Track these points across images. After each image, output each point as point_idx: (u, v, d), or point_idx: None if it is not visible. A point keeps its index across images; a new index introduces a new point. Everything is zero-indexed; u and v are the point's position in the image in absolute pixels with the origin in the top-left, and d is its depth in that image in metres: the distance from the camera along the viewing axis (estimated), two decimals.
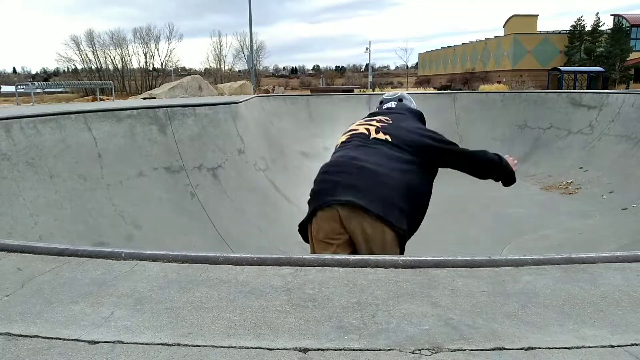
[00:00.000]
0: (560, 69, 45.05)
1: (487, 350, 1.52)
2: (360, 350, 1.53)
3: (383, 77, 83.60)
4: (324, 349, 1.54)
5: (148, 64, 59.04)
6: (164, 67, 59.55)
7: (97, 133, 6.54)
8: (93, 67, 56.07)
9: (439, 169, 2.61)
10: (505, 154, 2.91)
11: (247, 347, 1.56)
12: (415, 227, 2.41)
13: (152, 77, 57.52)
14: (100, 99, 19.16)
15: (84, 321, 1.76)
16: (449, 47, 66.76)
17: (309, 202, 2.55)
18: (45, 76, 72.95)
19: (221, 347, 1.56)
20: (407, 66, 69.49)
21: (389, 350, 1.53)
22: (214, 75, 58.24)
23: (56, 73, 69.36)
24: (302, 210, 10.54)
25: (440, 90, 41.45)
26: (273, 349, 1.54)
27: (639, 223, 7.57)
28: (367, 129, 2.43)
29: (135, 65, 59.51)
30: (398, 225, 2.22)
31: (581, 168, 11.73)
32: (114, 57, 56.66)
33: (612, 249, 6.32)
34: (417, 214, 2.37)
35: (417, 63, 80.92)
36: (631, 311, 1.78)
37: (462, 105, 15.50)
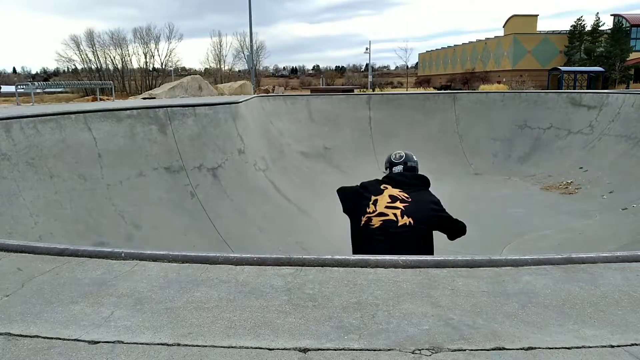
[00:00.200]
0: (560, 69, 45.06)
1: (487, 350, 1.52)
2: (360, 350, 1.53)
3: (383, 77, 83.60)
4: (324, 349, 1.54)
5: (148, 64, 59.13)
6: (164, 67, 59.59)
7: (97, 133, 6.54)
8: (93, 67, 56.12)
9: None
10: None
11: (247, 347, 1.56)
12: None
13: (152, 77, 57.55)
14: (100, 99, 19.16)
15: (84, 321, 1.76)
16: (449, 47, 66.78)
17: None
18: (45, 76, 72.97)
19: (221, 347, 1.56)
20: (407, 66, 69.54)
21: (389, 350, 1.53)
22: (214, 75, 58.27)
23: (56, 73, 69.42)
24: (302, 210, 10.48)
25: (440, 90, 41.46)
26: (273, 349, 1.54)
27: (639, 223, 7.57)
28: (395, 215, 3.09)
29: (135, 65, 59.59)
30: None
31: (581, 168, 11.73)
32: (114, 57, 56.75)
33: (612, 249, 6.32)
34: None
35: (417, 63, 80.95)
36: (631, 311, 1.78)
37: (462, 105, 15.50)
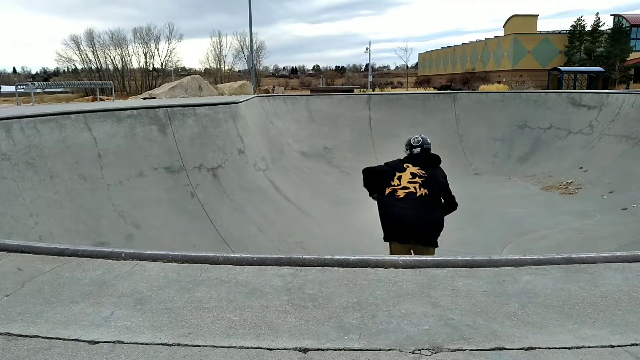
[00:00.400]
0: (560, 69, 45.02)
1: (487, 350, 1.52)
2: (360, 350, 1.53)
3: (383, 77, 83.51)
4: (324, 349, 1.54)
5: (148, 64, 59.00)
6: (164, 67, 59.49)
7: (97, 133, 6.54)
8: (93, 67, 55.99)
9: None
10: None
11: (247, 347, 1.56)
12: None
13: (152, 77, 57.43)
14: (100, 99, 19.15)
15: (84, 321, 1.76)
16: (449, 47, 66.74)
17: (388, 232, 4.19)
18: (45, 76, 72.89)
19: (221, 347, 1.56)
20: (407, 66, 69.41)
21: (389, 350, 1.53)
22: (214, 75, 58.16)
23: (56, 73, 69.30)
24: (302, 210, 10.45)
25: (440, 90, 41.44)
26: (273, 349, 1.54)
27: (639, 223, 7.57)
28: (415, 187, 4.10)
29: (135, 65, 59.44)
30: (435, 245, 4.13)
31: (581, 168, 11.73)
32: (114, 57, 56.64)
33: (612, 249, 6.32)
34: (442, 227, 4.18)
35: (417, 63, 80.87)
36: (631, 311, 1.78)
37: (462, 105, 15.50)
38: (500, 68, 51.66)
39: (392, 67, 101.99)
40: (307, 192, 10.62)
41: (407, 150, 4.53)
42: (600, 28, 49.17)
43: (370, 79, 48.86)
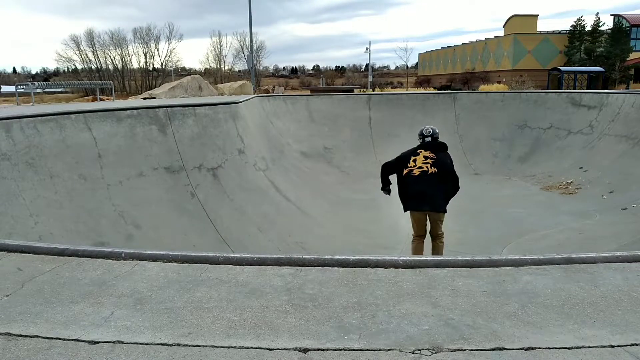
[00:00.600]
0: (560, 69, 44.99)
1: (487, 350, 1.52)
2: (360, 350, 1.53)
3: (383, 77, 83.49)
4: (324, 349, 1.54)
5: (148, 64, 58.99)
6: (164, 67, 59.47)
7: (97, 133, 6.54)
8: (93, 67, 56.00)
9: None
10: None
11: (247, 347, 1.56)
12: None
13: (152, 77, 57.42)
14: (100, 99, 19.15)
15: (84, 321, 1.76)
16: (449, 47, 66.71)
17: (406, 201, 5.45)
18: (45, 76, 72.88)
19: (221, 347, 1.56)
20: (407, 66, 69.40)
21: (389, 350, 1.53)
22: (214, 75, 58.15)
23: (56, 73, 69.29)
24: (302, 210, 10.43)
25: (440, 90, 41.43)
26: (273, 349, 1.54)
27: (639, 223, 7.57)
28: (427, 166, 5.30)
29: (135, 65, 59.43)
30: (444, 211, 5.43)
31: (581, 168, 11.73)
32: (114, 57, 56.63)
33: (612, 249, 6.32)
34: (449, 198, 5.48)
35: (417, 63, 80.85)
36: (631, 311, 1.78)
37: (462, 105, 15.50)
38: (500, 68, 51.66)
39: (392, 67, 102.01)
40: (307, 192, 10.62)
41: (420, 138, 5.62)
42: (600, 28, 49.16)
43: (370, 79, 48.85)
